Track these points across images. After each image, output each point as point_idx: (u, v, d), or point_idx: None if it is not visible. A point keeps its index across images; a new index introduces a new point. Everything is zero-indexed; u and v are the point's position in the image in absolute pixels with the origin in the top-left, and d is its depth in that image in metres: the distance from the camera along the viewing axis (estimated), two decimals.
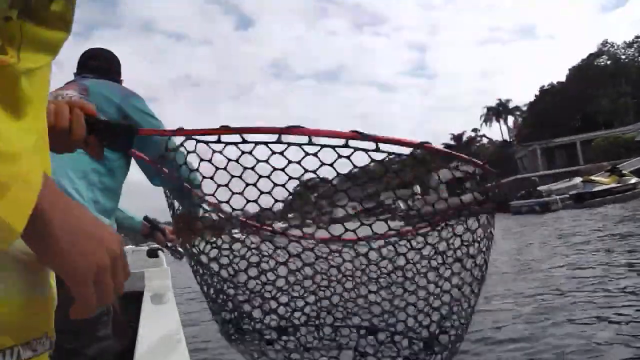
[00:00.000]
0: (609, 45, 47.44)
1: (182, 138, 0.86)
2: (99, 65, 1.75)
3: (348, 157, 0.81)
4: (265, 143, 0.80)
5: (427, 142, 0.82)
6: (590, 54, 47.74)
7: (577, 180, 19.88)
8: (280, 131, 0.78)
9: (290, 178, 0.89)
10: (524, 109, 54.78)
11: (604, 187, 17.26)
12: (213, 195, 0.93)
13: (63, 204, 0.46)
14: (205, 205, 0.99)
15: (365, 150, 0.79)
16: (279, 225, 1.07)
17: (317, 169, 0.84)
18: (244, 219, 1.03)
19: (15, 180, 0.38)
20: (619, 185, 17.36)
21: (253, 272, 1.06)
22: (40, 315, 0.48)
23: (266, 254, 1.03)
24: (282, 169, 0.86)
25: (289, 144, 0.79)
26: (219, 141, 0.82)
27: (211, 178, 0.90)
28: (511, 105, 56.72)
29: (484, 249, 1.01)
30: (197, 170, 0.90)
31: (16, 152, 0.38)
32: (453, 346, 1.09)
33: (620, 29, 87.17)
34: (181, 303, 1.92)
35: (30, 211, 0.40)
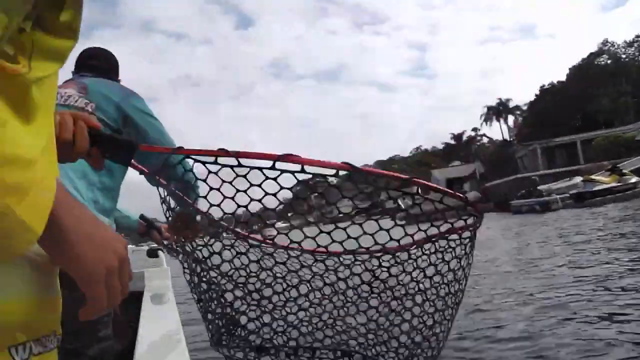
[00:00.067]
0: (610, 45, 47.44)
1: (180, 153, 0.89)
2: (99, 64, 1.74)
3: (337, 187, 0.84)
4: (260, 168, 0.83)
5: (414, 177, 0.87)
6: (591, 53, 47.74)
7: (578, 179, 19.89)
8: (276, 158, 0.81)
9: (281, 203, 0.93)
10: (524, 108, 54.81)
11: (605, 186, 17.26)
12: (205, 214, 0.97)
13: (76, 209, 0.49)
14: (198, 217, 1.01)
15: (355, 183, 0.84)
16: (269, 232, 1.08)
17: (309, 195, 0.88)
18: (234, 228, 1.05)
19: (32, 184, 0.40)
20: (619, 184, 17.35)
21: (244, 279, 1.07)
22: (50, 314, 0.51)
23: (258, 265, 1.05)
24: (274, 194, 0.90)
25: (283, 171, 0.83)
26: (215, 162, 0.85)
27: (205, 197, 0.94)
28: (511, 104, 56.81)
29: (458, 279, 1.03)
30: (196, 186, 0.92)
31: (32, 158, 0.41)
32: None
33: (620, 28, 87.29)
34: (181, 303, 1.91)
35: (48, 213, 0.42)
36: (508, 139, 55.99)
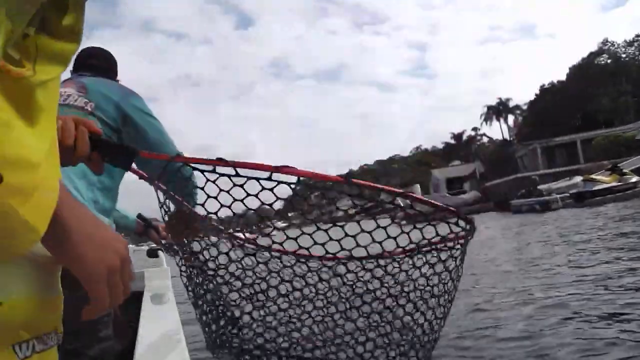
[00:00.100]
0: (610, 44, 47.43)
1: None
2: (99, 64, 1.74)
3: (332, 199, 0.88)
4: (257, 179, 0.86)
5: (410, 191, 0.88)
6: (591, 53, 47.74)
7: (578, 179, 19.87)
8: (273, 169, 0.83)
9: (277, 213, 0.95)
10: (525, 107, 54.77)
11: (605, 185, 17.24)
12: (204, 218, 0.98)
13: (78, 210, 0.50)
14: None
15: (351, 196, 0.85)
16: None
17: (302, 208, 0.90)
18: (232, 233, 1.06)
19: (36, 185, 0.41)
20: (619, 184, 17.34)
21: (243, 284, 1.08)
22: (52, 313, 0.52)
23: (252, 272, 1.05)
24: (270, 205, 0.92)
25: (279, 182, 0.85)
26: (213, 171, 0.87)
27: (202, 205, 0.97)
28: (511, 104, 56.78)
29: (447, 290, 1.04)
30: (194, 192, 0.94)
31: (37, 161, 0.42)
32: None
33: (620, 28, 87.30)
34: (181, 303, 1.91)
35: (51, 214, 0.43)
36: (508, 139, 55.98)
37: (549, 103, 45.97)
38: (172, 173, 0.95)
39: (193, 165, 0.90)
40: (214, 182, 0.89)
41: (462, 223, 1.00)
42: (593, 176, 18.44)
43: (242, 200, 0.92)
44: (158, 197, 1.01)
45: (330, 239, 0.99)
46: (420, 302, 1.04)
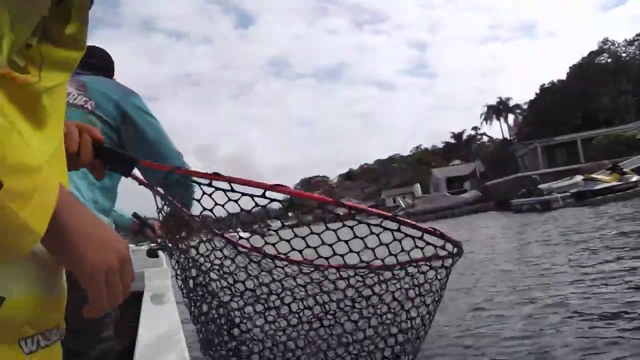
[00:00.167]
0: (610, 43, 47.41)
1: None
2: (99, 63, 1.73)
3: (323, 220, 0.91)
4: (251, 195, 0.89)
5: (398, 216, 0.90)
6: (591, 52, 47.73)
7: (578, 178, 19.85)
8: (266, 187, 0.86)
9: (268, 228, 1.02)
10: (525, 107, 54.75)
11: (605, 185, 17.23)
12: (202, 222, 1.02)
13: (79, 210, 0.52)
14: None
15: (341, 219, 0.89)
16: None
17: (294, 225, 0.93)
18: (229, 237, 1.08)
19: (36, 188, 0.43)
20: (620, 183, 17.32)
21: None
22: (55, 310, 0.54)
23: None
24: (262, 222, 0.98)
25: (272, 200, 0.88)
26: (210, 185, 0.90)
27: (198, 217, 1.01)
28: (512, 103, 56.76)
29: (430, 302, 1.04)
30: (191, 200, 0.96)
31: (38, 164, 0.44)
32: None
33: (620, 27, 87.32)
34: (181, 303, 1.91)
35: (50, 216, 0.45)
36: (508, 138, 55.97)
37: (549, 102, 45.96)
38: (171, 184, 0.98)
39: (191, 178, 0.93)
40: (210, 195, 0.93)
41: (449, 246, 1.00)
42: (594, 175, 18.42)
43: (237, 215, 0.97)
44: (156, 202, 1.02)
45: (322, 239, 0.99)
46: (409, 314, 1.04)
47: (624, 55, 46.29)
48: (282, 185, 0.87)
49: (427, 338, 1.15)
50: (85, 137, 0.86)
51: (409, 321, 1.05)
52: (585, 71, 44.97)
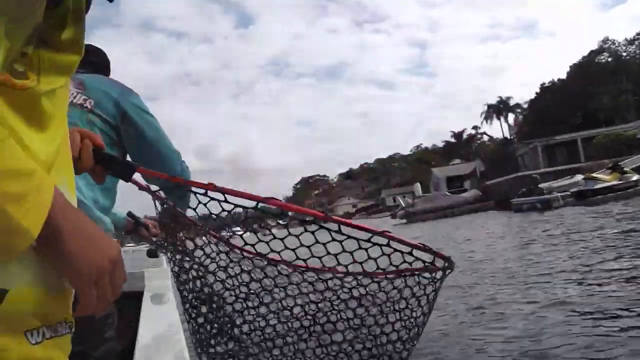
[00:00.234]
0: (610, 42, 47.39)
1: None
2: (97, 61, 1.73)
3: (312, 232, 0.93)
4: (244, 207, 0.91)
5: (386, 231, 0.90)
6: (591, 51, 47.68)
7: (579, 177, 19.83)
8: (259, 200, 0.88)
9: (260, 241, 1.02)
10: (525, 106, 54.74)
11: (606, 184, 17.22)
12: (200, 226, 1.05)
13: (72, 214, 0.52)
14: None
15: (329, 231, 0.91)
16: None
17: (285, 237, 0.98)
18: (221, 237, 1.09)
19: (31, 190, 0.44)
20: (620, 182, 17.32)
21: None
22: (62, 304, 0.55)
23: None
24: (259, 241, 1.00)
25: (264, 212, 0.91)
26: (205, 194, 0.93)
27: (195, 223, 1.03)
28: (512, 102, 56.81)
29: (418, 314, 1.04)
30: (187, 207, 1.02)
31: (32, 168, 0.45)
32: None
33: (621, 26, 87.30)
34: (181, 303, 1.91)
35: (45, 217, 0.45)
36: (508, 137, 55.99)
37: (550, 101, 45.92)
38: (170, 187, 1.03)
39: (188, 187, 0.97)
40: (205, 204, 0.95)
41: (439, 261, 1.00)
42: (594, 175, 18.41)
43: (229, 227, 1.04)
44: (156, 206, 1.04)
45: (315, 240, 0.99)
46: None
47: (624, 54, 46.27)
48: (274, 199, 0.89)
49: (427, 338, 1.14)
50: (87, 143, 0.88)
51: (395, 332, 1.05)
52: (586, 70, 44.94)
